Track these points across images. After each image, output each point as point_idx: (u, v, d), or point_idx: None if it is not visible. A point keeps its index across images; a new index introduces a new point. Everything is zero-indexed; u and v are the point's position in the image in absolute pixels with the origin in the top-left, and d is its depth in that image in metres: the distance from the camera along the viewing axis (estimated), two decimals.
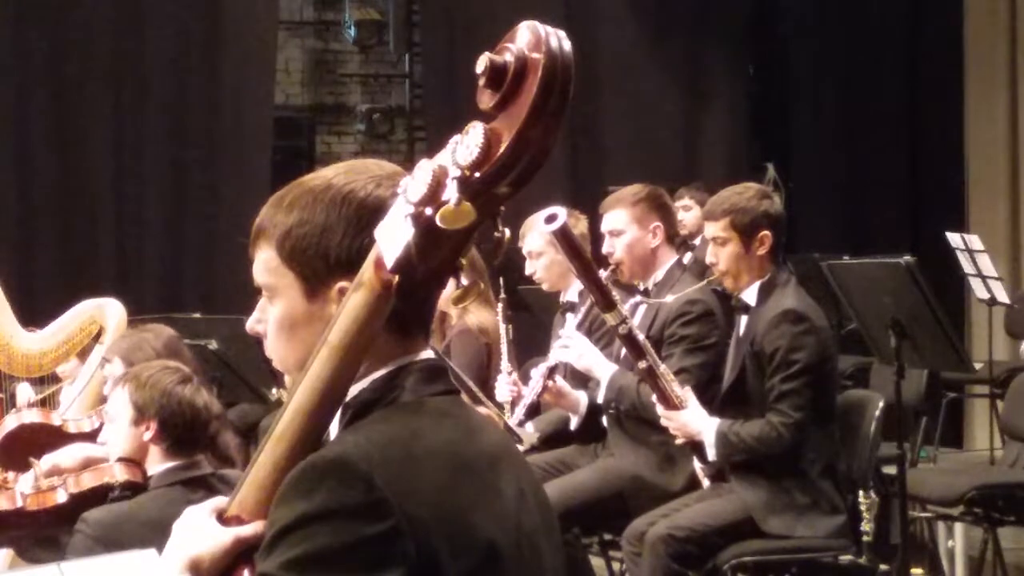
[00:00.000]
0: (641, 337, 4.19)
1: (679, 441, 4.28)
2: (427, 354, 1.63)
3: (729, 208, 4.28)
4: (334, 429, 1.59)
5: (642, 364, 4.17)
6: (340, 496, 1.44)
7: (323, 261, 1.59)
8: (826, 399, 4.24)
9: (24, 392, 4.63)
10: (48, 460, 3.65)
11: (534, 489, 1.70)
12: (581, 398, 4.81)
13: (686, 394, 4.24)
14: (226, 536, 1.52)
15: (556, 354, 4.71)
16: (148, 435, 3.29)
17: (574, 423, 4.88)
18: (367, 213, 1.57)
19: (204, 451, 3.38)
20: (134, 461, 3.35)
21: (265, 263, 1.64)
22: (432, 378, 1.62)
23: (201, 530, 1.54)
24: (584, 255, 4.12)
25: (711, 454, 4.21)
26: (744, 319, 4.31)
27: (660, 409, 4.23)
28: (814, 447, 4.17)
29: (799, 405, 4.10)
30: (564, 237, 3.97)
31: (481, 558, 1.52)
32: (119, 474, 3.37)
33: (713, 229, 4.31)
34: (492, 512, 1.56)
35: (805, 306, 4.20)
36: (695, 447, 4.26)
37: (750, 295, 4.29)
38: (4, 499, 3.57)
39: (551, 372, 4.70)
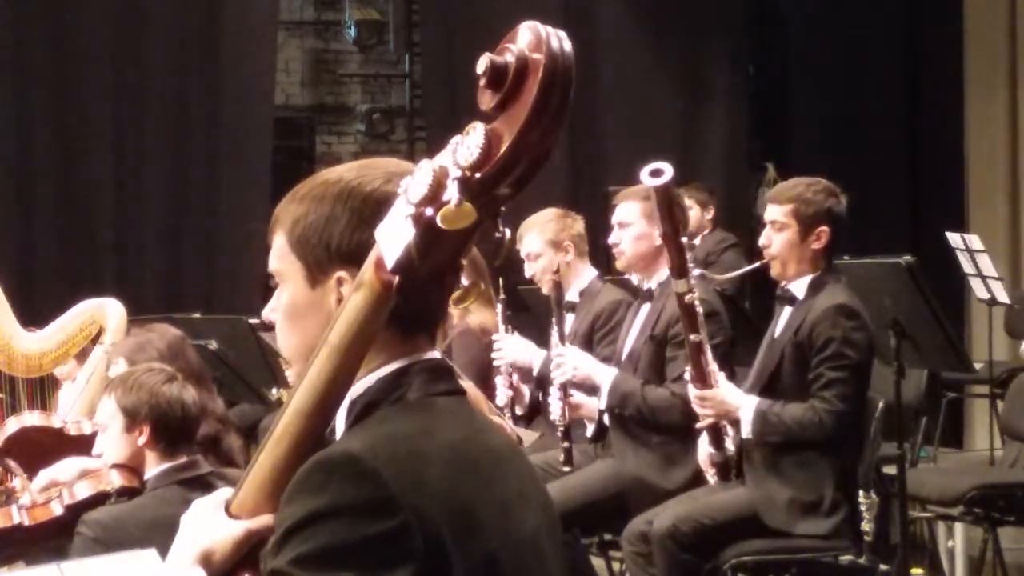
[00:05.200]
0: (701, 310, 4.16)
1: (700, 424, 4.21)
2: (433, 354, 1.64)
3: (795, 196, 4.28)
4: (340, 426, 1.60)
5: (694, 337, 4.13)
6: (349, 493, 1.45)
7: (325, 249, 1.61)
8: (863, 400, 4.23)
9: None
10: (45, 476, 3.61)
11: (537, 491, 1.71)
12: (596, 403, 4.80)
13: (719, 375, 4.21)
14: (237, 528, 1.53)
15: (558, 374, 4.71)
16: (142, 440, 3.26)
17: (591, 431, 4.86)
18: (371, 206, 1.58)
19: (205, 453, 3.37)
20: (129, 467, 3.32)
21: (277, 249, 1.67)
22: (438, 377, 1.62)
23: (211, 522, 1.55)
24: (675, 217, 4.13)
25: (746, 431, 4.15)
26: (787, 310, 4.26)
27: (692, 388, 4.20)
28: (841, 444, 4.14)
29: (845, 395, 4.07)
30: (664, 195, 4.01)
31: (485, 556, 1.52)
32: (115, 480, 3.34)
33: (774, 213, 4.28)
34: (496, 511, 1.57)
35: (858, 305, 4.18)
36: (714, 432, 4.21)
37: (799, 288, 4.26)
38: (1, 517, 3.53)
39: (565, 392, 4.70)
